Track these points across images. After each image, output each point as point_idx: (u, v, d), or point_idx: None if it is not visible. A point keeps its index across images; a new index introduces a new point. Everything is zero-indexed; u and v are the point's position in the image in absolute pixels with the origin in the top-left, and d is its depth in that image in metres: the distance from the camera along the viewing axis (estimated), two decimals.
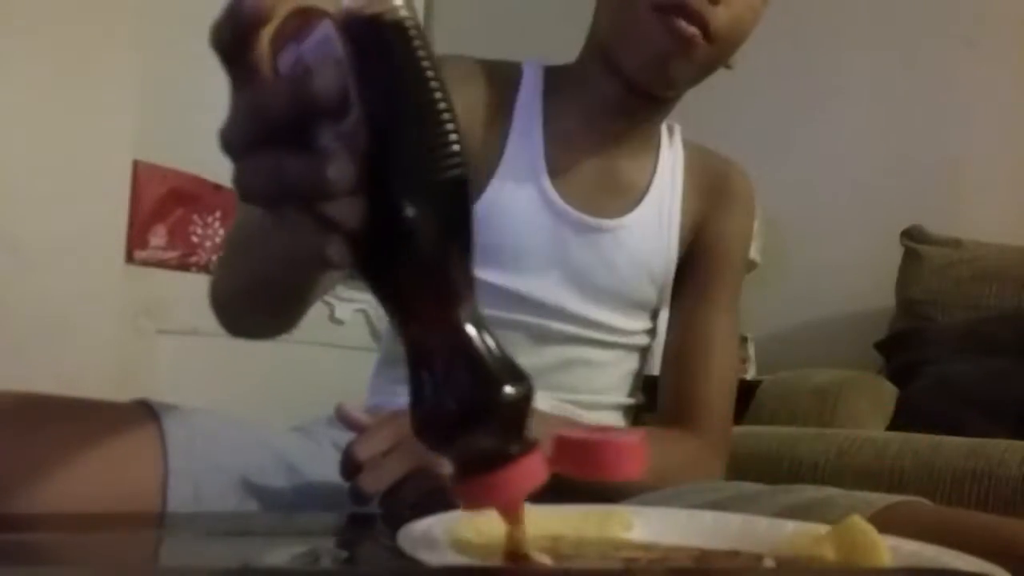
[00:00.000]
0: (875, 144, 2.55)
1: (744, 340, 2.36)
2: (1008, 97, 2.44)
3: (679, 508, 0.62)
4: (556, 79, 1.00)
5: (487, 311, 0.93)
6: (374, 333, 2.49)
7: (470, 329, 0.39)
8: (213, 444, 0.78)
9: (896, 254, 2.33)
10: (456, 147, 0.36)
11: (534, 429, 0.42)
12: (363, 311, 2.51)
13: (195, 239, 2.22)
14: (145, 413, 0.77)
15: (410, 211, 0.36)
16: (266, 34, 0.36)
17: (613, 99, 0.96)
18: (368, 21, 0.35)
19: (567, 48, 1.02)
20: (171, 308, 2.09)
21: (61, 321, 1.80)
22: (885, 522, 0.50)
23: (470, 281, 0.39)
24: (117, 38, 1.93)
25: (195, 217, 2.21)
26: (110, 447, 0.73)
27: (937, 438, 1.47)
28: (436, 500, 0.66)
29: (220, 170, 2.13)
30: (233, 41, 0.37)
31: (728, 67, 0.96)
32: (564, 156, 0.97)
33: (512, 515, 0.43)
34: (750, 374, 2.35)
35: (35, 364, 1.66)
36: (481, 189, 0.94)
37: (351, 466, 0.69)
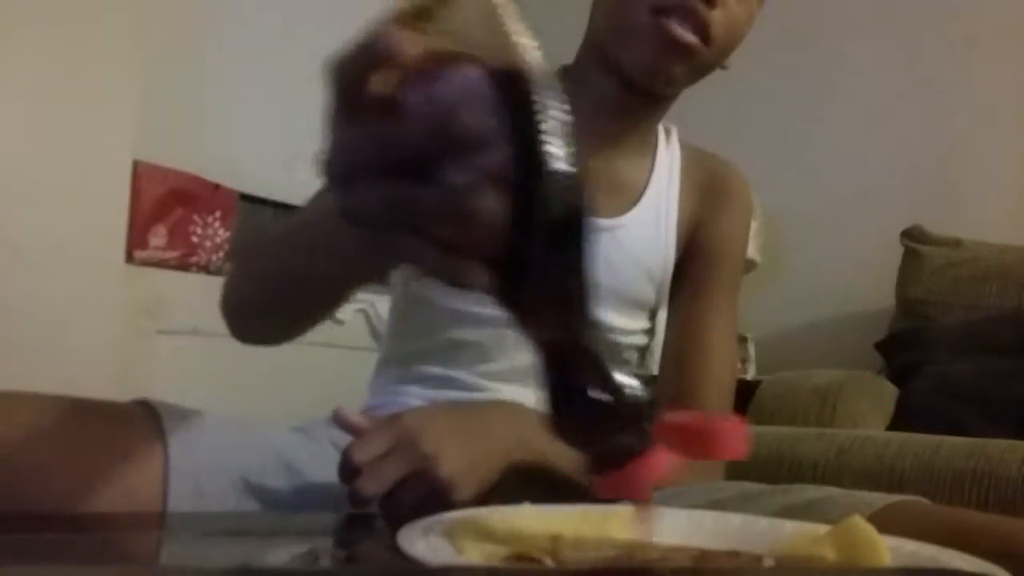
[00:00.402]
0: (875, 144, 2.55)
1: (744, 340, 2.36)
2: (1008, 97, 2.44)
3: (679, 508, 0.62)
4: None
5: (487, 310, 0.94)
6: (374, 333, 2.49)
7: (597, 340, 0.43)
8: (213, 444, 0.78)
9: (896, 254, 2.33)
10: (581, 173, 0.40)
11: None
12: (363, 311, 2.51)
13: (195, 239, 2.22)
14: (145, 413, 0.77)
15: (547, 237, 0.39)
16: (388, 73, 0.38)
17: (610, 99, 0.96)
18: (504, 68, 0.37)
19: (566, 48, 1.02)
20: (171, 308, 2.09)
21: (61, 321, 1.80)
22: (885, 522, 0.50)
23: (592, 296, 0.41)
24: (117, 38, 1.93)
25: (195, 217, 2.21)
26: (110, 447, 0.73)
27: (937, 438, 1.47)
28: (434, 502, 0.66)
29: (220, 170, 2.15)
30: (359, 77, 0.38)
31: (724, 68, 0.96)
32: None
33: (643, 502, 0.48)
34: (750, 374, 2.35)
35: (35, 364, 1.66)
36: None
37: (349, 470, 0.69)
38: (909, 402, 1.89)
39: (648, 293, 1.00)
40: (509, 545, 0.48)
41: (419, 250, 0.38)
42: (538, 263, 0.39)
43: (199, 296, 2.32)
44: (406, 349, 1.00)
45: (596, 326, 0.42)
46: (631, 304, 0.99)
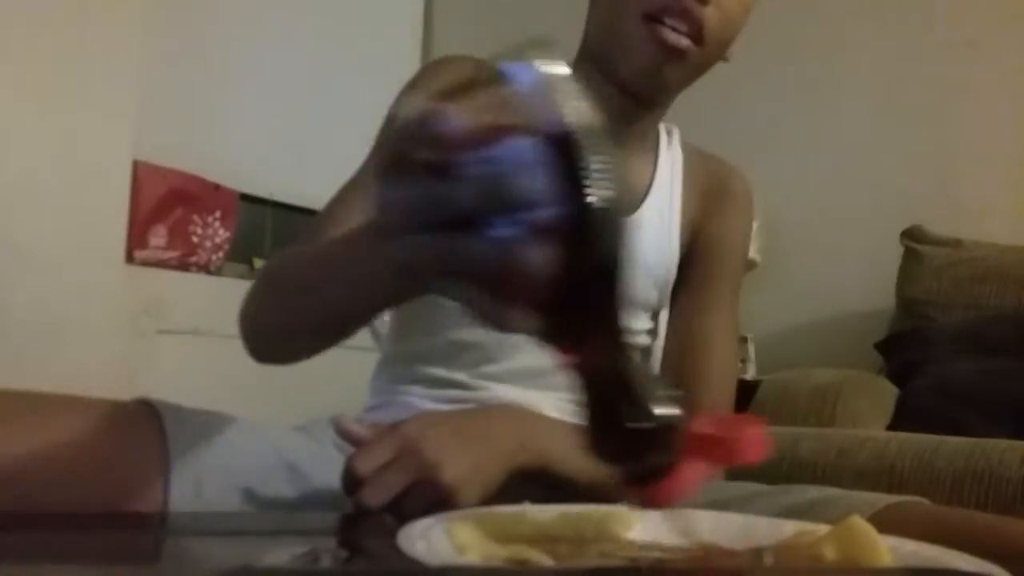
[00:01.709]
0: (875, 144, 2.55)
1: (744, 340, 2.36)
2: (1008, 97, 2.44)
3: (679, 508, 0.62)
4: None
5: None
6: (374, 333, 2.49)
7: (635, 369, 0.47)
8: (213, 444, 0.78)
9: (896, 254, 2.33)
10: (621, 229, 0.43)
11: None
12: None
13: (195, 239, 2.22)
14: (146, 413, 0.77)
15: (590, 283, 0.43)
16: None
17: (608, 103, 0.96)
18: (557, 136, 0.42)
19: (566, 49, 1.02)
20: (171, 308, 2.09)
21: (61, 321, 1.80)
22: (885, 522, 0.50)
23: (624, 321, 0.45)
24: (117, 38, 1.93)
25: (195, 217, 2.21)
26: (111, 447, 0.73)
27: (937, 438, 1.47)
28: (439, 509, 0.66)
29: (220, 170, 2.16)
30: (415, 147, 0.42)
31: (725, 60, 0.96)
32: None
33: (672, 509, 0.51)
34: (750, 374, 2.35)
35: (35, 364, 1.66)
36: None
37: (352, 481, 0.69)
38: (909, 402, 1.89)
39: (651, 294, 1.00)
40: (509, 545, 0.48)
41: (469, 296, 0.42)
42: (583, 303, 0.43)
43: (199, 296, 2.32)
44: (408, 349, 1.00)
45: (632, 357, 0.46)
46: (635, 305, 0.99)
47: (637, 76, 0.91)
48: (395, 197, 0.43)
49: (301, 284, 0.80)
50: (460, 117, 0.42)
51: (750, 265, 2.37)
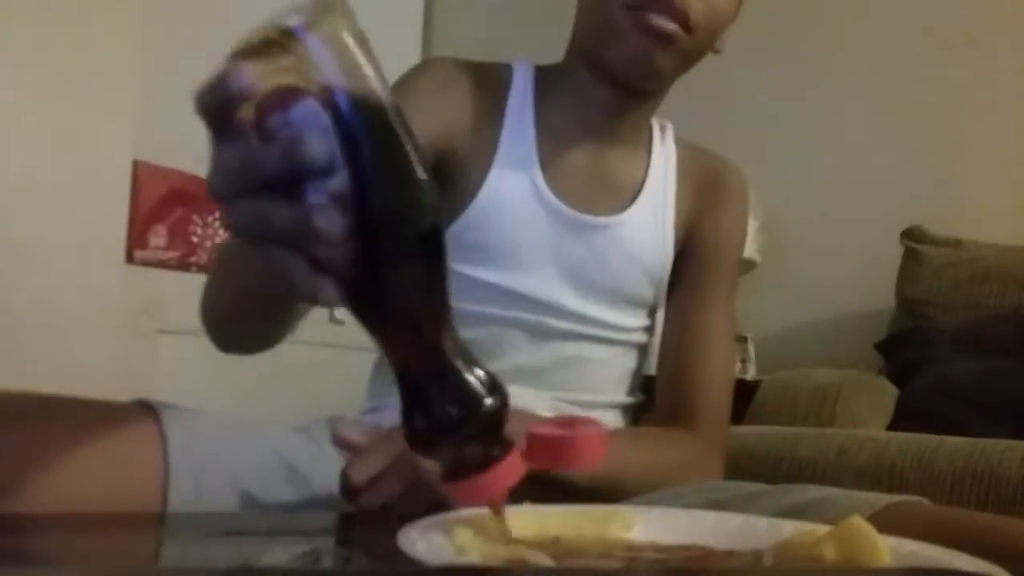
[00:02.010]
0: (875, 144, 2.55)
1: (744, 340, 2.36)
2: (1008, 97, 2.44)
3: (679, 508, 0.62)
4: (546, 79, 1.00)
5: (487, 309, 0.94)
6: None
7: (450, 351, 0.45)
8: (213, 444, 0.78)
9: (896, 254, 2.33)
10: (429, 199, 0.43)
11: (511, 426, 0.48)
12: None
13: (195, 239, 2.22)
14: (145, 413, 0.77)
15: (393, 256, 0.42)
16: (248, 104, 0.42)
17: (600, 97, 0.96)
18: (345, 97, 0.41)
19: (558, 51, 1.02)
20: (171, 308, 2.09)
21: (61, 321, 1.80)
22: (885, 522, 0.50)
23: (448, 309, 0.45)
24: (117, 38, 1.93)
25: (195, 217, 2.21)
26: (110, 447, 0.73)
27: (937, 438, 1.46)
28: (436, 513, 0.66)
29: None
30: (218, 110, 0.42)
31: (716, 52, 0.96)
32: (557, 154, 0.97)
33: (496, 509, 0.49)
34: (750, 374, 2.35)
35: (35, 364, 1.66)
36: (476, 188, 0.94)
37: (349, 490, 0.69)
38: (909, 402, 1.89)
39: (646, 291, 1.00)
40: (509, 545, 0.48)
41: (284, 261, 0.42)
42: (393, 278, 0.42)
43: (199, 296, 2.31)
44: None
45: (455, 334, 0.45)
46: (629, 301, 0.99)
47: (626, 65, 0.91)
48: (216, 164, 0.43)
49: (222, 270, 0.79)
50: (256, 75, 0.41)
51: (750, 265, 2.37)
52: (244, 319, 0.78)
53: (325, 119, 0.41)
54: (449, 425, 0.45)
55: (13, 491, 0.67)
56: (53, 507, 0.67)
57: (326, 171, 0.41)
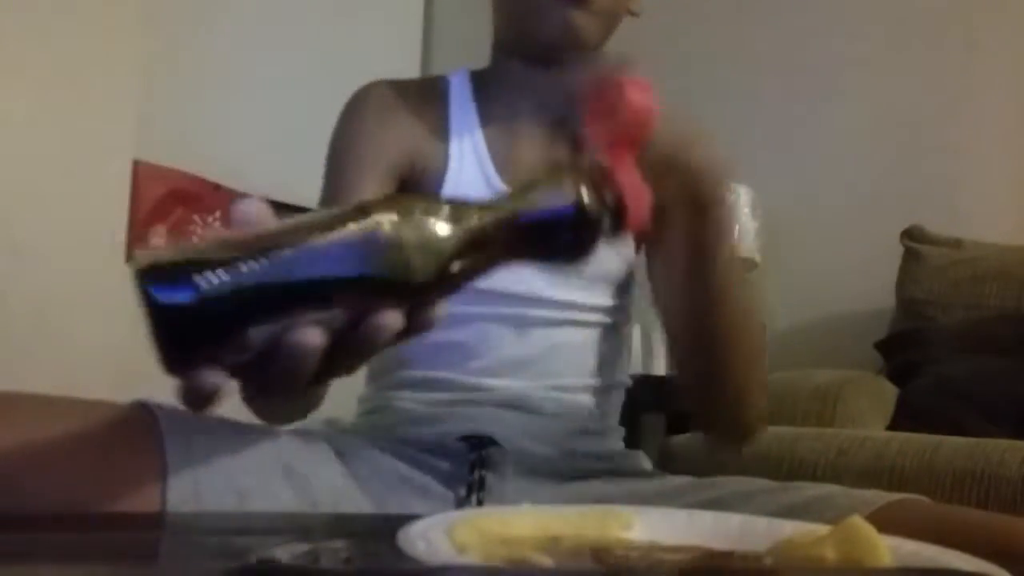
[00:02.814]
0: (875, 144, 2.55)
1: None
2: (1008, 97, 2.44)
3: (679, 508, 0.62)
4: (482, 80, 1.01)
5: (469, 309, 0.93)
6: None
7: None
8: (212, 444, 0.78)
9: (896, 254, 2.33)
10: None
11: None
12: None
13: (195, 239, 2.22)
14: (144, 414, 0.77)
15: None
16: None
17: (535, 82, 0.97)
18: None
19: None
20: None
21: (60, 321, 1.80)
22: (885, 521, 0.50)
23: None
24: (117, 38, 1.93)
25: (195, 217, 2.21)
26: (109, 447, 0.73)
27: (937, 438, 1.47)
28: None
29: (220, 170, 2.14)
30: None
31: (633, 14, 0.97)
32: (507, 148, 0.97)
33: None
34: None
35: (34, 364, 1.66)
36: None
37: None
38: (909, 402, 1.89)
39: (618, 267, 0.98)
40: (509, 545, 0.48)
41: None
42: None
43: None
44: (390, 357, 0.99)
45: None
46: (601, 280, 0.98)
47: (552, 35, 0.92)
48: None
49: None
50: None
51: (750, 265, 2.37)
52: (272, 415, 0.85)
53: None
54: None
55: (13, 491, 0.67)
56: (53, 507, 0.67)
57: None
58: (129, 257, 2.05)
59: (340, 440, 0.90)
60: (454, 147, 0.96)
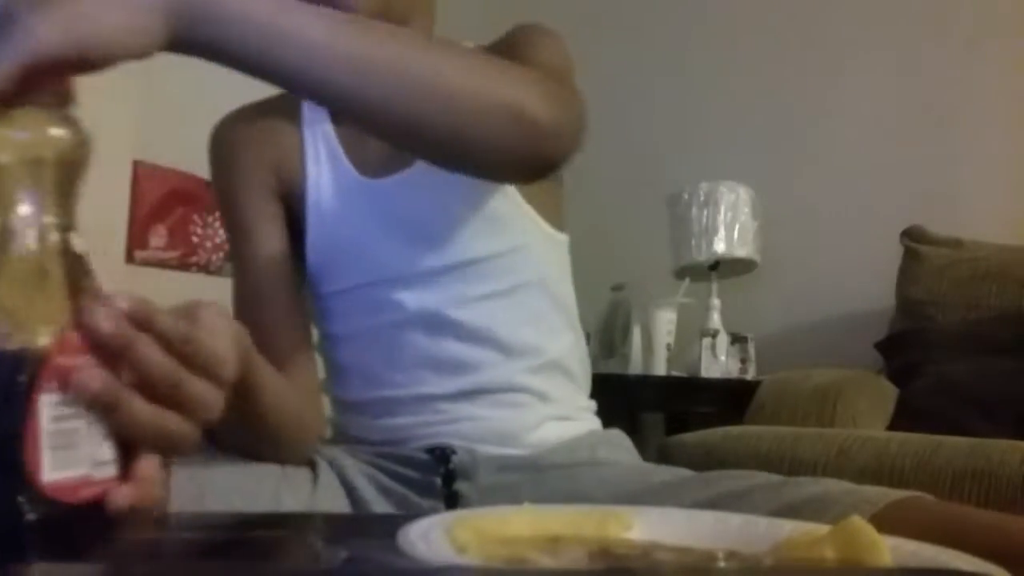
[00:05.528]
0: (875, 144, 2.55)
1: (744, 340, 2.36)
2: (1008, 97, 2.44)
3: (679, 508, 0.62)
4: None
5: (373, 320, 0.90)
6: None
7: None
8: (211, 448, 0.78)
9: (896, 254, 2.33)
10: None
11: None
12: None
13: (195, 239, 2.22)
14: None
15: None
16: None
17: None
18: None
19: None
20: None
21: None
22: (886, 520, 0.50)
23: None
24: None
25: (195, 217, 2.21)
26: None
27: (937, 438, 1.47)
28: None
29: None
30: None
31: None
32: (357, 140, 0.95)
33: None
34: (750, 374, 2.35)
35: None
36: (305, 212, 0.93)
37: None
38: (909, 402, 1.89)
39: (501, 205, 0.93)
40: (509, 545, 0.48)
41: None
42: None
43: (199, 296, 2.31)
44: (344, 404, 0.98)
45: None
46: (491, 221, 0.93)
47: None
48: None
49: None
50: None
51: (750, 265, 2.37)
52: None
53: None
54: None
55: None
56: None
57: None
58: (129, 257, 2.06)
59: (326, 452, 0.90)
60: (309, 154, 0.95)
